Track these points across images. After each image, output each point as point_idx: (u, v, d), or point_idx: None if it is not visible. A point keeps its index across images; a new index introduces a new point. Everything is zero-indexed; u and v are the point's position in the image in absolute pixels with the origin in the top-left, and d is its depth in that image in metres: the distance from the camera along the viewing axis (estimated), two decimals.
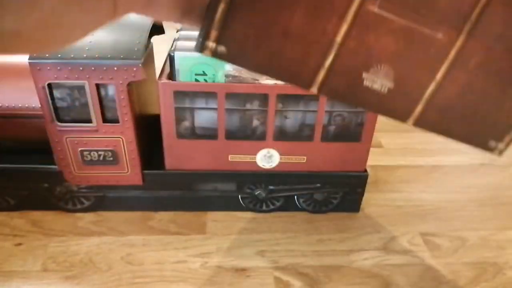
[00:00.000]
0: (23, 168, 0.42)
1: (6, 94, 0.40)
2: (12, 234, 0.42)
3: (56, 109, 0.38)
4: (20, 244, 0.41)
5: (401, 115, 0.20)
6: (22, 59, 0.40)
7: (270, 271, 0.39)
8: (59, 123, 0.38)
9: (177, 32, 0.40)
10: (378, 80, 0.18)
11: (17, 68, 0.40)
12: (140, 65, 0.36)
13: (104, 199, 0.44)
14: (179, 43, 0.37)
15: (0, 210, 0.44)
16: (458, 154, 0.58)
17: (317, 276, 0.39)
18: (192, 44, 0.36)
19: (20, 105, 0.40)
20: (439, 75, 0.18)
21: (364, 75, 0.18)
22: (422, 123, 0.20)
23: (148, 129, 0.42)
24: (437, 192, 0.51)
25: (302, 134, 0.40)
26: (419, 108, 0.20)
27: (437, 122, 0.20)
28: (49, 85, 0.36)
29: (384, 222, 0.46)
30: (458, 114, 0.20)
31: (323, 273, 0.39)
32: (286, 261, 0.40)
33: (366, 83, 0.18)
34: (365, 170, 0.43)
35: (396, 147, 0.59)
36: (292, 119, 0.39)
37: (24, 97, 0.40)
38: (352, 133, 0.40)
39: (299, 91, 0.37)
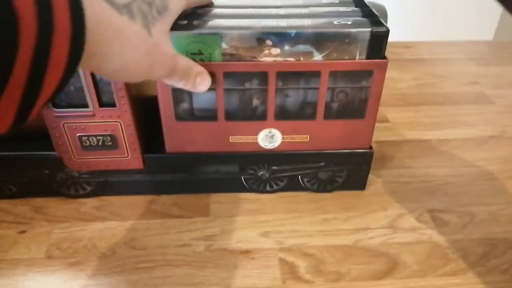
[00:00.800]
0: (23, 155, 0.41)
1: None
2: (15, 222, 0.42)
3: None
4: (23, 231, 0.41)
5: None
6: None
7: (275, 252, 0.39)
8: (55, 109, 0.37)
9: None
10: None
11: None
12: None
13: (105, 184, 0.43)
14: (176, 21, 0.36)
15: (3, 198, 0.44)
16: (467, 127, 0.56)
17: (323, 256, 0.39)
18: (187, 22, 0.34)
19: None
20: None
21: None
22: None
23: (147, 111, 0.41)
24: (445, 166, 0.49)
25: (304, 112, 0.39)
26: None
27: None
28: None
29: (390, 199, 0.45)
30: None
31: (328, 253, 0.39)
32: (291, 242, 0.40)
33: None
34: (371, 147, 0.42)
35: (402, 121, 0.57)
36: (293, 97, 0.38)
37: None
38: (356, 110, 0.39)
39: (299, 67, 0.36)
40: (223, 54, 0.36)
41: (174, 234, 0.41)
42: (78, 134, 0.39)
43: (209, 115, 0.39)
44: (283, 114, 0.39)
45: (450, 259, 0.38)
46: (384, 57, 0.36)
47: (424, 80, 0.68)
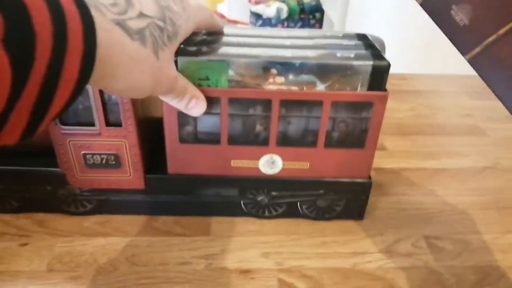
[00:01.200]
0: (25, 170, 0.42)
1: None
2: (18, 235, 0.42)
3: None
4: (26, 244, 0.41)
5: (463, 49, 0.24)
6: None
7: (275, 273, 0.39)
8: (62, 126, 0.38)
9: None
10: (460, 15, 0.23)
11: None
12: None
13: (106, 203, 0.44)
14: (183, 47, 0.37)
15: (4, 212, 0.44)
16: (461, 157, 0.58)
17: (321, 278, 0.39)
18: (197, 48, 0.36)
19: None
20: (501, 31, 0.22)
21: (453, 7, 0.24)
22: (474, 64, 0.24)
23: (151, 132, 0.42)
24: (440, 195, 0.51)
25: (305, 140, 0.40)
26: (477, 50, 0.24)
27: (486, 69, 0.24)
28: None
29: (388, 225, 0.46)
30: (506, 71, 0.24)
31: (327, 275, 0.39)
32: (290, 263, 0.41)
33: (452, 13, 0.23)
34: (369, 177, 0.43)
35: (399, 150, 0.59)
36: (295, 125, 0.39)
37: None
38: (356, 140, 0.40)
39: (302, 96, 0.37)
40: (229, 81, 0.37)
41: (175, 252, 0.41)
42: (83, 152, 0.40)
43: (212, 138, 0.40)
44: (284, 141, 0.40)
45: (445, 285, 0.39)
46: (385, 90, 0.37)
47: (420, 111, 0.70)
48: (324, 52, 0.37)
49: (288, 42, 0.39)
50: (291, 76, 0.36)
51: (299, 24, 2.63)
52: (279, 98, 0.37)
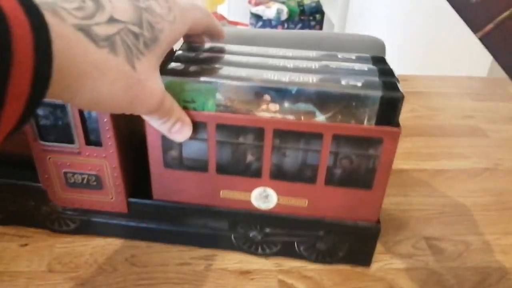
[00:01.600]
0: (8, 183, 0.40)
1: None
2: (18, 235, 0.42)
3: (39, 127, 0.35)
4: (26, 244, 0.41)
5: (474, 26, 0.24)
6: None
7: (274, 274, 0.39)
8: (42, 142, 0.36)
9: (175, 52, 0.36)
10: None
11: None
12: None
13: (89, 223, 0.41)
14: (172, 65, 0.34)
15: None
16: (462, 159, 0.57)
17: (321, 279, 0.38)
18: (184, 66, 0.32)
19: None
20: None
21: None
22: (486, 41, 0.24)
23: (138, 149, 0.39)
24: (441, 196, 0.50)
25: (303, 174, 0.35)
26: (489, 26, 0.24)
27: (498, 46, 0.24)
28: None
29: (388, 226, 0.45)
30: None
31: (326, 276, 0.39)
32: (290, 264, 0.40)
33: None
34: (378, 221, 0.37)
35: (400, 151, 0.56)
36: (292, 157, 0.34)
37: None
38: (362, 179, 0.34)
39: (299, 127, 0.32)
40: (217, 105, 0.33)
41: (175, 252, 0.41)
42: (64, 170, 0.37)
43: (199, 165, 0.36)
44: (279, 174, 0.35)
45: (446, 286, 0.39)
46: (397, 125, 0.32)
47: (421, 112, 0.70)
48: (327, 78, 0.32)
49: (290, 64, 0.35)
50: (286, 104, 0.32)
51: (299, 25, 2.61)
52: (273, 127, 0.33)
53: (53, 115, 0.35)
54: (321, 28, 2.62)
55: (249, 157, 0.35)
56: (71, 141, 0.36)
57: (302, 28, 2.61)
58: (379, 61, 0.36)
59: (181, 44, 0.38)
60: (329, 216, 0.37)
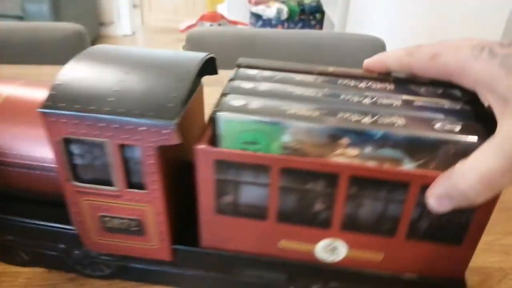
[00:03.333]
0: (38, 225, 0.35)
1: (23, 140, 0.34)
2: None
3: (73, 166, 0.31)
4: None
5: None
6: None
7: None
8: (76, 183, 0.31)
9: (229, 81, 0.31)
10: None
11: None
12: (173, 127, 0.27)
13: (127, 269, 0.36)
14: (230, 99, 0.29)
15: (13, 264, 0.38)
16: None
17: None
18: (243, 102, 0.27)
19: (38, 155, 0.33)
20: None
21: None
22: None
23: (183, 192, 0.34)
24: None
25: (380, 226, 0.30)
26: None
27: None
28: (66, 139, 0.29)
29: None
30: None
31: None
32: None
33: None
34: (463, 279, 0.32)
35: None
36: (368, 208, 0.29)
37: (44, 144, 0.33)
38: (452, 233, 0.29)
39: (382, 175, 0.27)
40: (284, 148, 0.28)
41: None
42: (100, 214, 0.33)
43: (257, 212, 0.31)
44: (352, 225, 0.30)
45: None
46: None
47: None
48: (417, 119, 0.27)
49: (367, 99, 0.29)
50: (368, 150, 0.27)
51: (300, 25, 2.57)
52: (350, 174, 0.28)
53: (90, 154, 0.30)
54: (321, 28, 2.58)
55: (318, 206, 0.30)
56: (110, 183, 0.31)
57: (302, 27, 2.58)
58: (469, 100, 0.30)
59: (234, 71, 0.33)
60: (407, 272, 0.32)
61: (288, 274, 0.34)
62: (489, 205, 0.27)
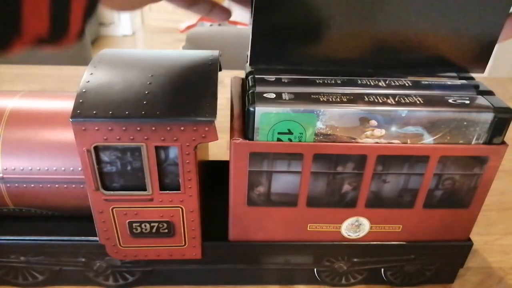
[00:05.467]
0: (57, 241, 0.34)
1: (44, 153, 0.32)
2: None
3: (102, 175, 0.30)
4: None
5: None
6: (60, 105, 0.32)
7: None
8: (105, 192, 0.31)
9: (247, 76, 0.33)
10: None
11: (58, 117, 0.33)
12: (212, 124, 0.28)
13: (152, 273, 0.36)
14: (261, 90, 0.30)
15: (25, 286, 0.36)
16: None
17: None
18: (274, 94, 0.28)
19: (55, 168, 0.32)
20: None
21: None
22: None
23: (204, 186, 0.35)
24: None
25: (401, 200, 0.33)
26: None
27: None
28: (95, 148, 0.29)
29: None
30: None
31: None
32: None
33: None
34: (469, 239, 0.36)
35: None
36: (393, 183, 0.32)
37: (62, 156, 0.32)
38: (461, 199, 0.33)
39: (406, 151, 0.30)
40: (316, 134, 0.30)
41: None
42: (129, 220, 0.32)
43: (287, 200, 0.32)
44: (376, 202, 0.33)
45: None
46: (503, 142, 0.31)
47: None
48: (432, 96, 0.30)
49: (381, 82, 0.32)
50: (394, 128, 0.29)
51: None
52: (377, 154, 0.30)
53: (121, 160, 0.30)
54: None
55: (346, 187, 0.32)
56: (142, 187, 0.31)
57: None
58: (465, 77, 0.34)
59: (247, 67, 0.34)
60: (422, 239, 0.35)
61: (314, 255, 0.36)
62: (494, 168, 0.31)
